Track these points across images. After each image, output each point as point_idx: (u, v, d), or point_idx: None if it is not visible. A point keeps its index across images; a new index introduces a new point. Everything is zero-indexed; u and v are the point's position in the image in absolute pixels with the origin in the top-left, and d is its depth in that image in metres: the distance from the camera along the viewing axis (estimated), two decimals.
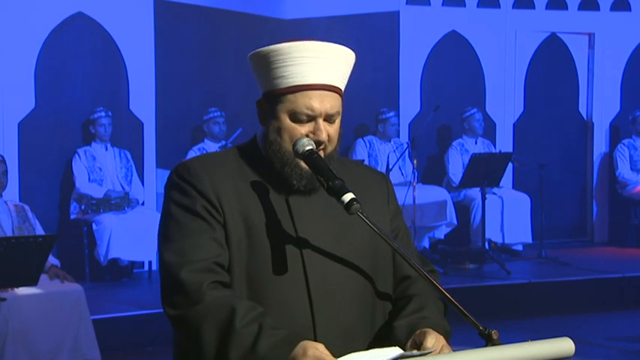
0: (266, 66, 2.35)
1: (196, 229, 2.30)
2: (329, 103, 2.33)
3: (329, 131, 2.35)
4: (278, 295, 2.31)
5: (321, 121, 2.33)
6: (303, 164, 2.33)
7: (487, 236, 9.09)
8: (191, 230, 2.30)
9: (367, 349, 2.37)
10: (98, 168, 8.53)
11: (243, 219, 2.33)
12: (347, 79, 2.41)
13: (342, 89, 2.39)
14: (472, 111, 9.95)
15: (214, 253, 2.29)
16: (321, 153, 2.34)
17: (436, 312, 2.41)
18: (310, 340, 2.22)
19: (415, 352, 2.21)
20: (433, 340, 2.24)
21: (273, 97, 2.35)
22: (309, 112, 2.32)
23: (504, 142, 10.55)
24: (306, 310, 2.32)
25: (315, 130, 2.33)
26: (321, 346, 2.15)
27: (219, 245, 2.31)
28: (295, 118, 2.33)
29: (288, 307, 2.31)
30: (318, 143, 2.34)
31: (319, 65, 2.32)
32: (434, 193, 9.46)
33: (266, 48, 2.34)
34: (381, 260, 2.44)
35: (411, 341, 2.29)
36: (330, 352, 2.19)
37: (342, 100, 2.40)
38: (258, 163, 2.40)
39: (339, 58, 2.36)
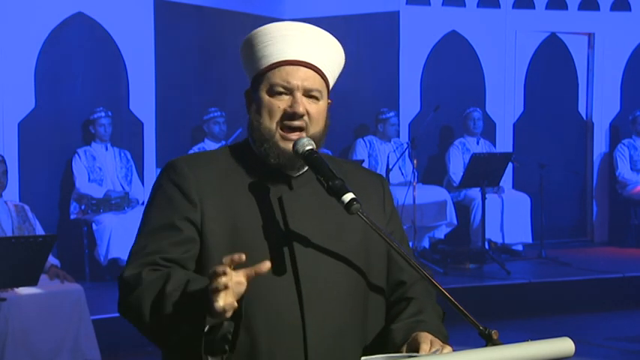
0: (250, 51, 2.36)
1: (162, 233, 2.29)
2: (307, 78, 2.32)
3: (309, 108, 2.32)
4: (266, 292, 2.28)
5: (299, 94, 2.31)
6: (281, 143, 2.31)
7: (487, 236, 9.09)
8: (157, 234, 2.29)
9: (361, 350, 2.37)
10: (98, 168, 8.53)
11: (230, 219, 2.31)
12: (331, 65, 2.39)
13: (324, 72, 2.36)
14: (469, 110, 9.97)
15: (166, 251, 2.27)
16: (303, 134, 2.32)
17: (434, 316, 2.39)
18: (299, 339, 2.23)
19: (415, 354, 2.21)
20: (428, 345, 2.22)
21: (256, 81, 2.36)
22: (285, 84, 2.30)
23: (504, 142, 10.56)
24: (295, 308, 2.29)
25: (292, 103, 2.30)
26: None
27: (179, 246, 2.28)
28: (272, 91, 2.31)
29: (276, 305, 2.28)
30: (292, 115, 2.30)
31: (296, 42, 2.32)
32: (434, 193, 9.46)
33: (249, 34, 2.36)
34: (373, 260, 2.42)
35: (407, 346, 2.27)
36: (321, 352, 2.19)
37: (328, 86, 2.38)
38: (250, 162, 2.38)
39: (317, 38, 2.36)
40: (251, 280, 2.07)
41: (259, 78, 2.34)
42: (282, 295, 2.29)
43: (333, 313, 2.32)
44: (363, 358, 2.16)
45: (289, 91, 2.31)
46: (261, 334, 2.25)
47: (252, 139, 2.38)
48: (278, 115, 2.31)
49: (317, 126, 2.34)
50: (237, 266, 2.26)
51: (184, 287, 2.14)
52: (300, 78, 2.31)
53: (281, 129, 2.32)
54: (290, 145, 2.31)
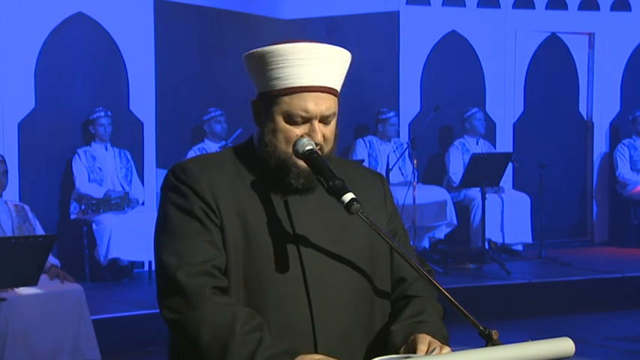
0: (262, 67, 2.34)
1: (192, 232, 2.29)
2: (324, 105, 2.32)
3: (324, 132, 2.34)
4: (276, 296, 2.30)
5: (316, 122, 2.33)
6: (300, 163, 2.32)
7: (487, 236, 9.09)
8: (187, 232, 2.29)
9: (366, 351, 2.37)
10: (98, 168, 8.53)
11: (241, 220, 2.32)
12: (343, 80, 2.40)
13: (338, 90, 2.38)
14: (473, 110, 9.96)
15: (211, 255, 2.28)
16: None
17: (435, 316, 2.40)
18: (309, 342, 2.24)
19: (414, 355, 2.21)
20: (425, 346, 2.23)
21: (269, 99, 2.34)
22: (304, 114, 2.31)
23: (504, 142, 10.55)
24: (305, 311, 2.31)
25: (310, 132, 2.32)
26: (318, 356, 2.17)
27: (216, 248, 2.29)
28: (290, 119, 2.32)
29: (286, 308, 2.30)
30: None
31: (314, 67, 2.31)
32: (434, 193, 9.46)
33: (261, 49, 2.33)
34: (378, 260, 2.43)
35: (405, 347, 2.28)
36: (330, 353, 2.20)
37: (339, 100, 2.39)
38: (255, 164, 2.39)
39: (334, 59, 2.35)
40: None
41: (274, 98, 2.33)
42: (291, 297, 2.31)
43: (341, 316, 2.33)
44: None
45: (306, 119, 2.32)
46: (273, 336, 2.25)
47: (260, 150, 2.38)
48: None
49: (330, 144, 2.37)
50: (248, 271, 2.28)
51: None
52: (318, 106, 2.31)
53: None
54: (306, 165, 2.32)
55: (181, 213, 2.31)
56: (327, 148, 2.36)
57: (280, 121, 2.33)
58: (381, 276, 2.44)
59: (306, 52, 2.32)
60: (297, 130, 2.32)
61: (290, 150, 2.32)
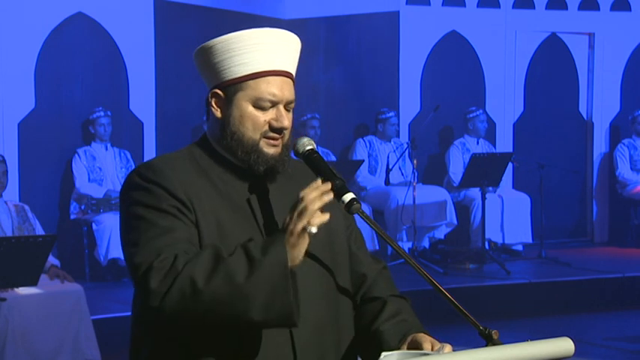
0: (220, 56, 2.33)
1: (168, 228, 2.24)
2: (287, 90, 2.35)
3: (288, 119, 2.36)
4: None
5: (282, 107, 2.34)
6: (266, 149, 2.33)
7: (487, 236, 9.09)
8: (163, 229, 2.23)
9: (336, 345, 2.39)
10: (98, 168, 8.54)
11: (214, 218, 2.30)
12: (296, 66, 2.42)
13: (294, 75, 2.40)
14: (477, 112, 9.95)
15: (187, 248, 2.23)
16: (280, 141, 2.35)
17: (412, 313, 2.44)
18: (285, 332, 2.26)
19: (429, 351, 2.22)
20: (429, 344, 2.24)
21: (232, 87, 2.33)
22: (272, 99, 2.32)
23: (504, 142, 10.55)
24: None
25: (278, 117, 2.33)
26: None
27: (192, 245, 2.25)
28: (258, 105, 2.32)
29: None
30: (280, 130, 2.33)
31: (273, 52, 2.33)
32: (434, 193, 9.46)
33: (216, 39, 2.33)
34: (338, 255, 2.45)
35: (406, 346, 2.29)
36: (306, 347, 2.25)
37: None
38: (216, 161, 2.38)
39: (289, 43, 2.37)
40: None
41: (237, 85, 2.32)
42: None
43: (312, 306, 2.33)
44: (383, 353, 2.16)
45: (274, 104, 2.33)
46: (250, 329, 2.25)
47: (222, 141, 2.37)
48: (263, 128, 2.34)
49: (289, 133, 2.38)
50: None
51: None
52: (284, 91, 2.33)
53: (264, 137, 2.34)
54: (273, 150, 2.34)
55: (153, 211, 2.26)
56: (287, 136, 2.37)
57: (248, 107, 2.33)
58: (341, 271, 2.45)
59: (264, 37, 2.33)
60: (264, 116, 2.33)
61: (257, 136, 2.33)
